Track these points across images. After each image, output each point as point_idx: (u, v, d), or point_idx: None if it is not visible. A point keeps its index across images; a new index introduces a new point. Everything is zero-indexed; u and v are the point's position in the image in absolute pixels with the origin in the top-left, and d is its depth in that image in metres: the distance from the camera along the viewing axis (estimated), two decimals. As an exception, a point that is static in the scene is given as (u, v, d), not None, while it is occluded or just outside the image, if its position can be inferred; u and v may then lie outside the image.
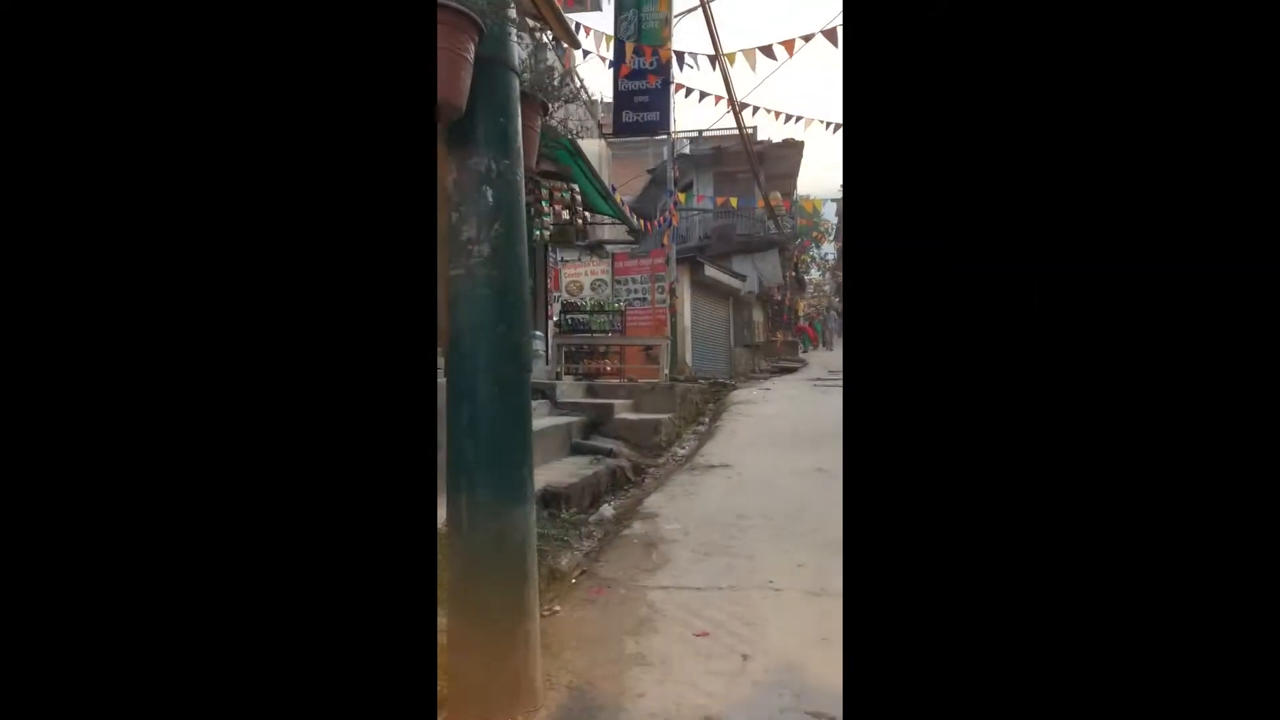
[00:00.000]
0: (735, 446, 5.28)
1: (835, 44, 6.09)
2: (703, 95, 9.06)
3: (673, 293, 12.61)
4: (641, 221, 11.94)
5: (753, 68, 6.88)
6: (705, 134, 19.02)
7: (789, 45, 6.41)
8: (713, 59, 7.50)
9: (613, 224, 10.89)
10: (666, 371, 12.02)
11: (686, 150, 17.82)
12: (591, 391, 6.57)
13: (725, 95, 8.67)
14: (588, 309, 9.87)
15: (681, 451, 5.41)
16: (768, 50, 6.69)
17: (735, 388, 10.47)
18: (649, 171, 13.37)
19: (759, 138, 18.96)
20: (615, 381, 8.42)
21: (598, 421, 5.65)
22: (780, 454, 4.88)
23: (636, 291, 13.96)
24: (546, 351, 9.23)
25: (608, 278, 14.13)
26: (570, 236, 10.34)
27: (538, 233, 7.26)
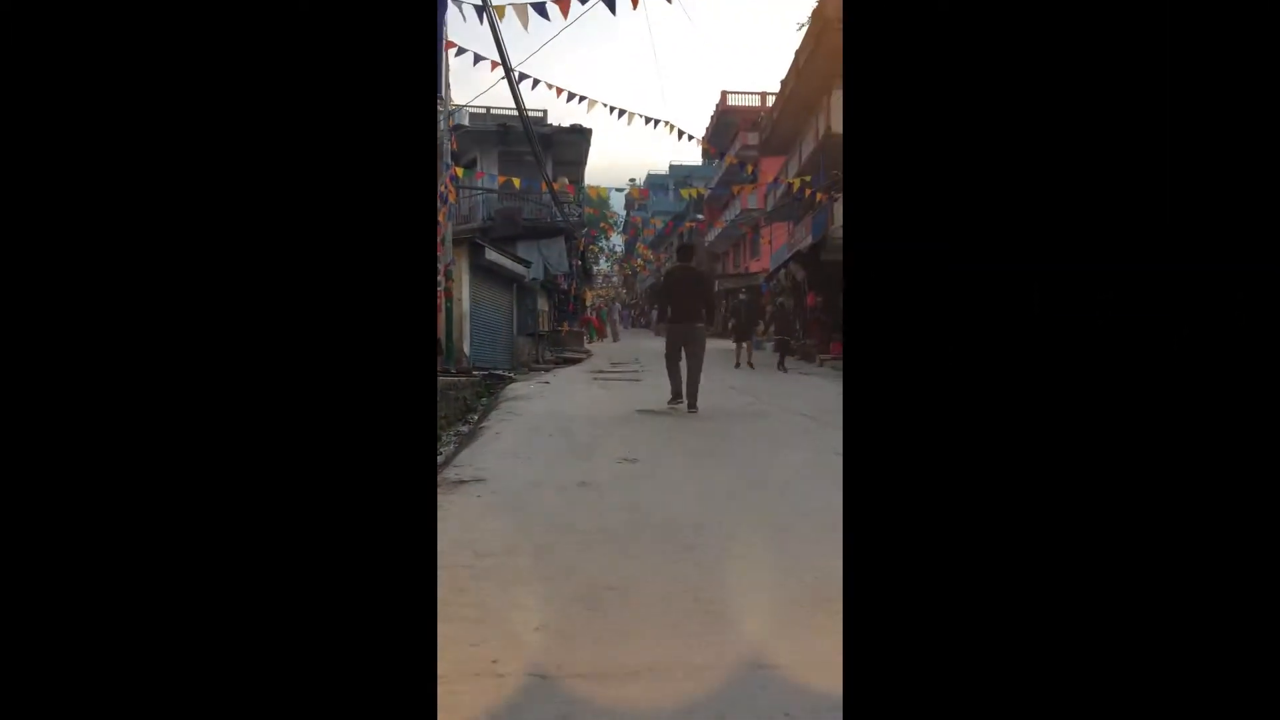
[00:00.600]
0: (495, 452, 4.60)
1: (613, 11, 5.64)
2: (477, 58, 8.20)
3: (448, 275, 11.56)
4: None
5: (524, 26, 6.23)
6: (492, 111, 17.97)
7: (564, 5, 5.83)
8: (480, 9, 6.69)
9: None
10: (441, 361, 11.00)
11: (467, 124, 16.66)
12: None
13: (499, 61, 7.90)
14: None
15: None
16: (540, 9, 6.06)
17: (513, 380, 9.78)
18: (445, 164, 12.18)
19: (548, 121, 18.35)
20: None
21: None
22: (545, 462, 4.29)
23: (407, 272, 12.66)
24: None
25: (374, 255, 12.64)
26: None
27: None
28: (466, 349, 13.11)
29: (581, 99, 8.62)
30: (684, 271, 6.67)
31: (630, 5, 5.77)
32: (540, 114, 17.90)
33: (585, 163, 19.55)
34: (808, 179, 12.41)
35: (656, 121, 9.15)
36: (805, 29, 13.82)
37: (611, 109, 8.95)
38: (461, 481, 3.72)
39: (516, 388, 8.80)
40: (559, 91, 8.54)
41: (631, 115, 9.08)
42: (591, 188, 11.73)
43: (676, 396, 6.40)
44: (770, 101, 22.76)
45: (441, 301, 11.44)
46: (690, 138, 10.81)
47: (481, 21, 6.72)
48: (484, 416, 6.48)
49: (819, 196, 12.40)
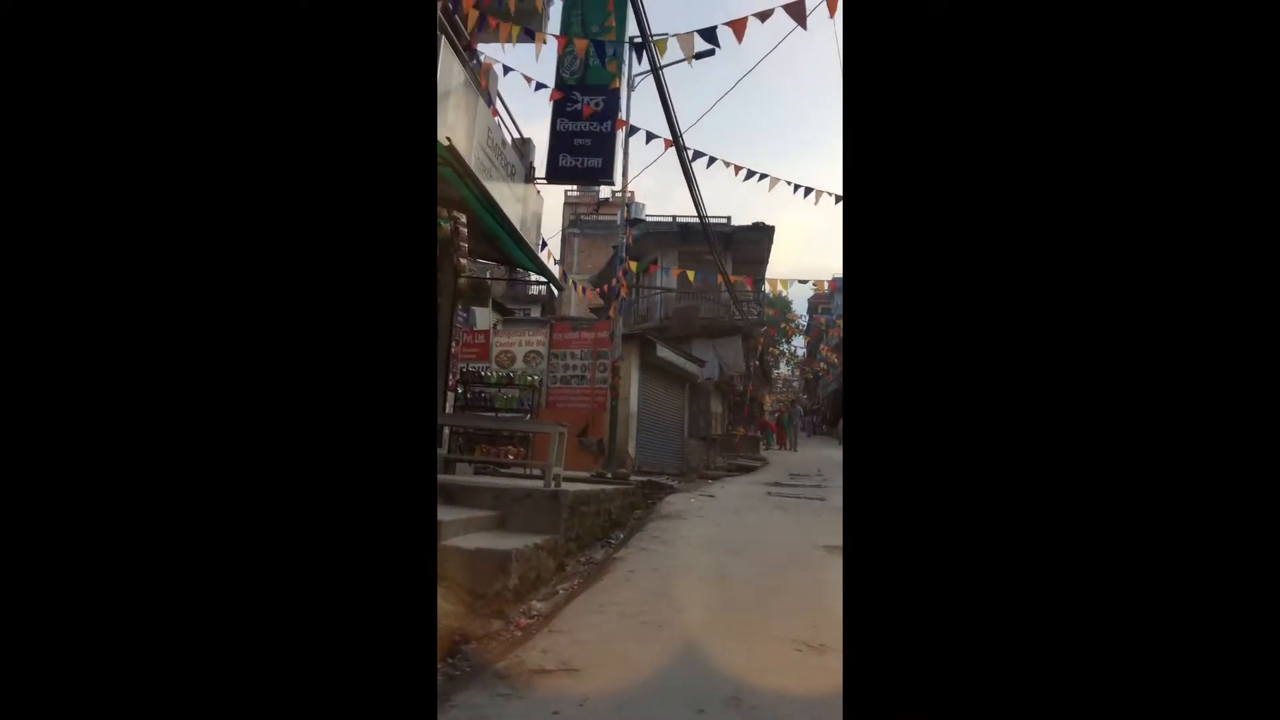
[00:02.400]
0: (616, 610, 3.25)
1: (803, 25, 4.57)
2: (650, 136, 7.54)
3: (615, 372, 10.77)
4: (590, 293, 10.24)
5: (689, 60, 5.37)
6: (678, 219, 17.82)
7: (738, 29, 4.87)
8: (652, 68, 5.96)
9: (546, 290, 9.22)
10: (602, 465, 10.04)
11: (644, 218, 16.48)
12: (446, 495, 4.56)
13: (672, 139, 7.14)
14: (493, 381, 7.92)
15: (536, 608, 3.38)
16: (709, 35, 5.16)
17: (673, 489, 8.47)
18: (614, 248, 11.87)
19: (731, 223, 17.80)
20: (508, 480, 6.42)
21: (414, 549, 3.65)
22: (680, 650, 2.85)
23: (575, 368, 12.07)
24: (441, 431, 7.22)
25: (544, 349, 12.28)
26: (483, 295, 8.57)
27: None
28: (632, 450, 12.11)
29: (762, 176, 7.63)
30: None
31: (826, 10, 4.71)
32: (724, 219, 17.38)
33: (767, 261, 18.58)
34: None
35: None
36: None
37: (796, 187, 7.85)
38: (543, 672, 2.39)
39: (676, 501, 7.46)
40: (736, 169, 7.63)
41: (819, 193, 7.90)
42: (772, 281, 10.57)
43: None
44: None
45: (607, 400, 10.64)
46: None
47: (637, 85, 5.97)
48: (625, 541, 5.19)
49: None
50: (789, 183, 7.71)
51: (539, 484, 4.57)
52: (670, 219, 17.62)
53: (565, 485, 5.41)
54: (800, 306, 35.62)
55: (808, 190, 7.85)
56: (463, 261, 6.84)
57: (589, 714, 2.02)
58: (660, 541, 4.99)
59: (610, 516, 6.13)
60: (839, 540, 5.13)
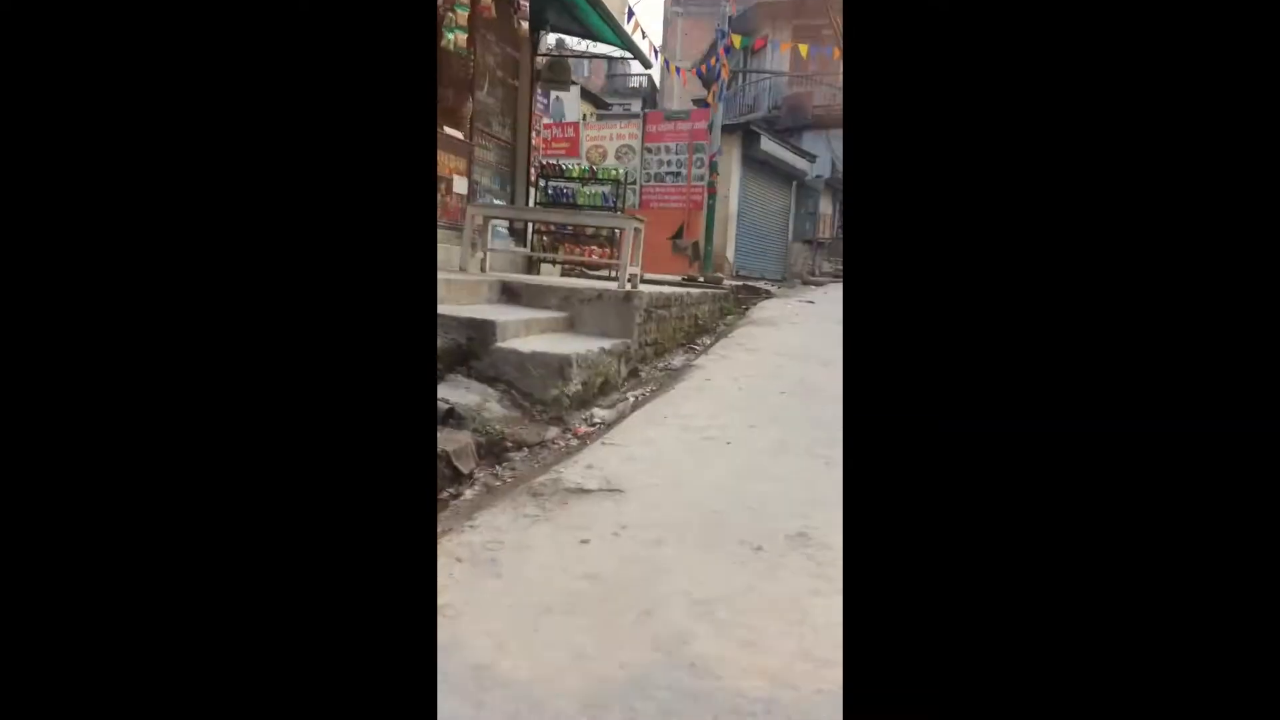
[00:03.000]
0: (679, 423, 2.90)
1: None
2: None
3: (714, 168, 9.83)
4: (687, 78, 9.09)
5: None
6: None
7: None
8: None
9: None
10: (696, 269, 9.53)
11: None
12: (511, 295, 4.25)
13: None
14: (575, 175, 7.30)
15: (599, 416, 3.10)
16: None
17: (770, 295, 7.92)
18: (719, 32, 10.23)
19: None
20: (583, 280, 6.07)
21: (468, 351, 3.37)
22: (737, 470, 2.47)
23: (670, 164, 11.14)
24: (525, 229, 6.87)
25: (636, 144, 11.33)
26: (562, 75, 7.67)
27: (449, 35, 4.75)
28: (730, 255, 11.45)
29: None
30: None
31: None
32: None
33: (897, 36, 15.90)
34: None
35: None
36: None
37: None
38: (582, 491, 2.10)
39: (772, 307, 6.94)
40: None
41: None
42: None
43: None
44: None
45: (704, 199, 9.84)
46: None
47: None
48: (707, 348, 4.80)
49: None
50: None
51: (603, 288, 4.15)
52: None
53: (646, 287, 4.99)
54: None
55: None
56: (525, 30, 5.97)
57: (623, 545, 1.72)
58: (746, 349, 4.56)
59: (696, 322, 5.74)
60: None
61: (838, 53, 10.97)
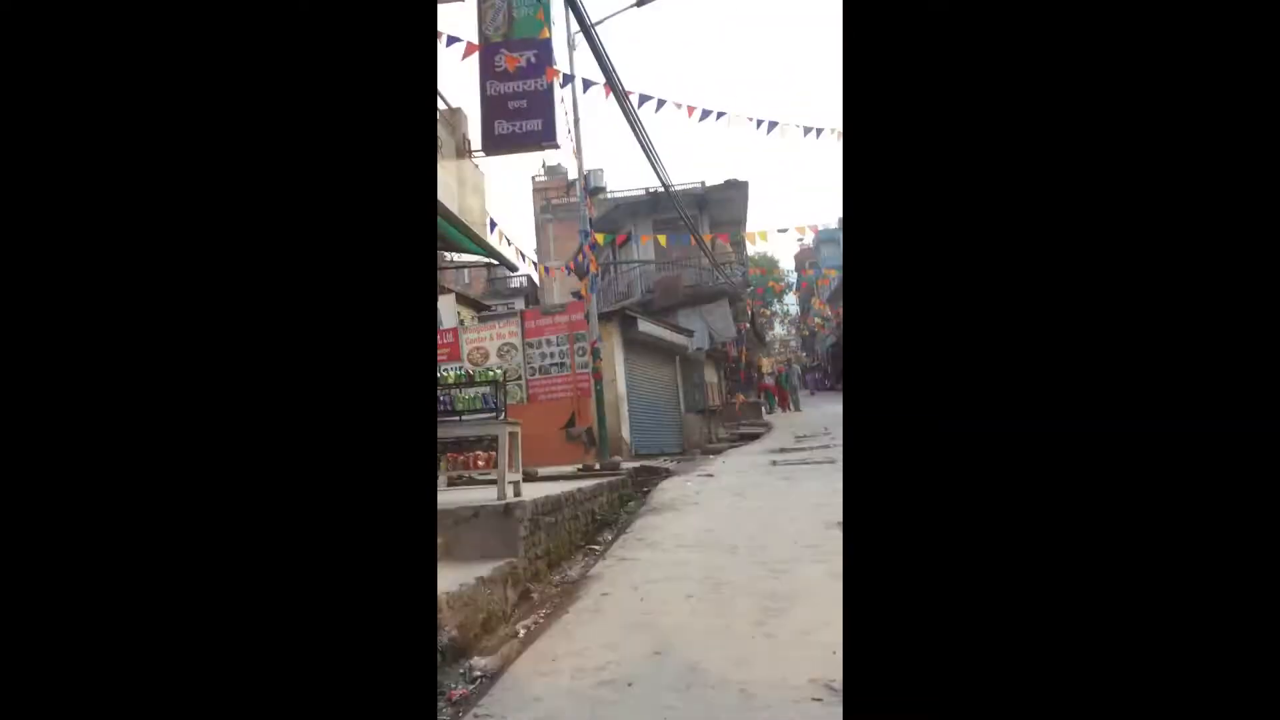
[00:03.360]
0: (570, 668, 2.46)
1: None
2: (588, 84, 6.66)
3: (595, 354, 9.97)
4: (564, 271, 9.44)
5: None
6: (650, 191, 16.88)
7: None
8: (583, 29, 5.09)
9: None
10: (590, 456, 9.28)
11: (607, 191, 15.57)
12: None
13: (609, 83, 6.26)
14: (450, 381, 7.08)
15: (479, 668, 2.61)
16: None
17: (669, 474, 7.72)
18: (582, 233, 10.93)
19: (703, 186, 16.88)
20: (465, 494, 5.65)
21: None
22: (645, 695, 2.07)
23: (552, 355, 11.23)
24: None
25: (518, 341, 11.45)
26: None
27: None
28: (627, 434, 11.35)
29: (720, 114, 6.76)
30: None
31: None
32: (700, 184, 16.45)
33: (745, 220, 17.68)
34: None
35: (819, 130, 7.02)
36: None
37: (759, 122, 6.99)
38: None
39: (671, 487, 6.69)
40: (690, 110, 6.76)
41: (784, 127, 7.04)
42: (749, 234, 9.70)
43: None
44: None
45: (591, 385, 9.85)
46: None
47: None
48: (614, 542, 4.43)
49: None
50: (751, 119, 6.85)
51: (479, 505, 3.78)
52: (642, 191, 16.71)
53: (535, 488, 4.64)
54: (788, 264, 34.73)
55: (772, 124, 6.99)
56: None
57: None
58: (646, 544, 4.22)
59: (594, 517, 5.37)
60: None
61: (694, 240, 11.93)
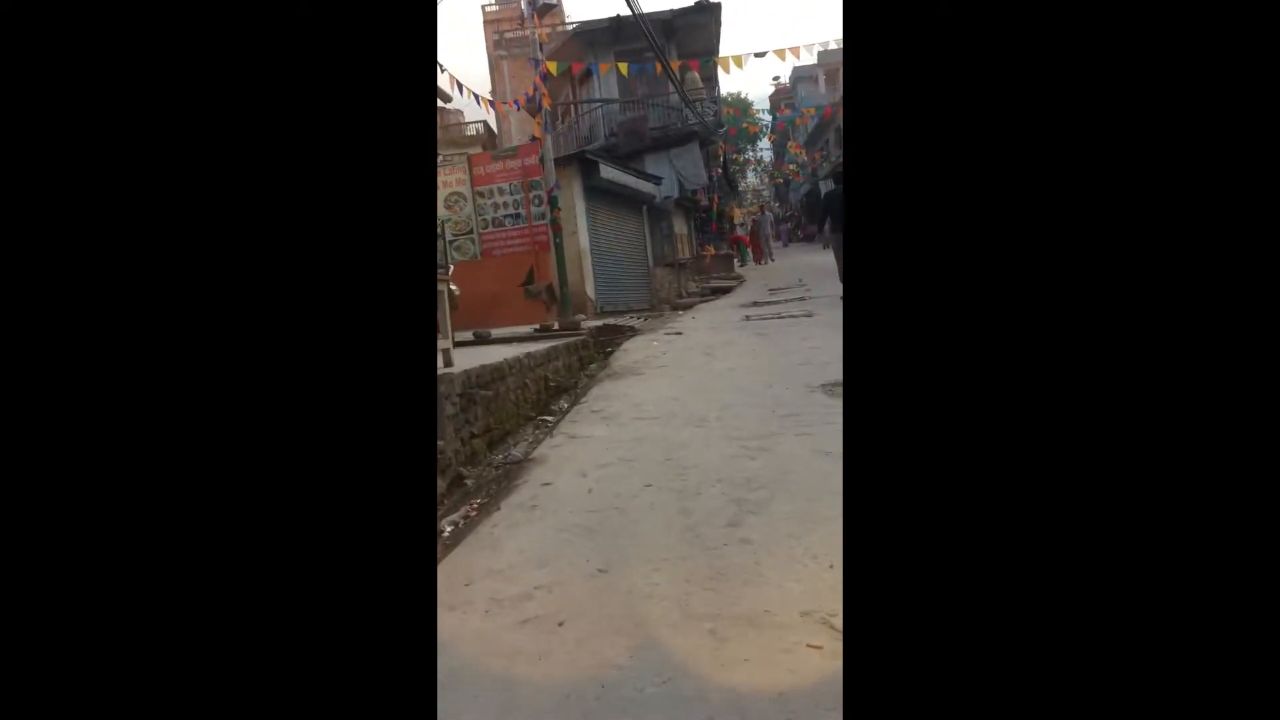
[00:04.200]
0: (481, 600, 1.91)
1: None
2: None
3: (553, 203, 9.00)
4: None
5: None
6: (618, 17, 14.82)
7: None
8: None
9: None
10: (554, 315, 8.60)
11: (565, 21, 13.72)
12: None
13: None
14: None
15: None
16: None
17: (635, 333, 7.11)
18: (532, 61, 9.38)
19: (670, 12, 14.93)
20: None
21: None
22: (571, 682, 1.53)
23: (505, 205, 10.17)
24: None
25: (466, 189, 10.34)
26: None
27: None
28: (591, 292, 10.62)
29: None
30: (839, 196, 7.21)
31: None
32: (666, 13, 14.47)
33: (717, 51, 15.90)
34: None
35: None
36: None
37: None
38: None
39: (635, 348, 6.10)
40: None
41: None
42: (722, 60, 8.41)
43: None
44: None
45: (549, 238, 8.97)
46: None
47: None
48: (570, 408, 3.86)
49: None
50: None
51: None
52: (604, 20, 14.73)
53: (473, 357, 3.98)
54: (762, 105, 32.41)
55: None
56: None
57: None
58: (602, 417, 3.64)
59: (548, 384, 4.78)
60: (839, 374, 3.88)
61: (659, 67, 10.54)
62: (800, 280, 11.16)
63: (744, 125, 23.27)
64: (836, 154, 27.46)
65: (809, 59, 37.82)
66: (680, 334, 6.60)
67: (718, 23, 14.89)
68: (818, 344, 5.05)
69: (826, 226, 9.59)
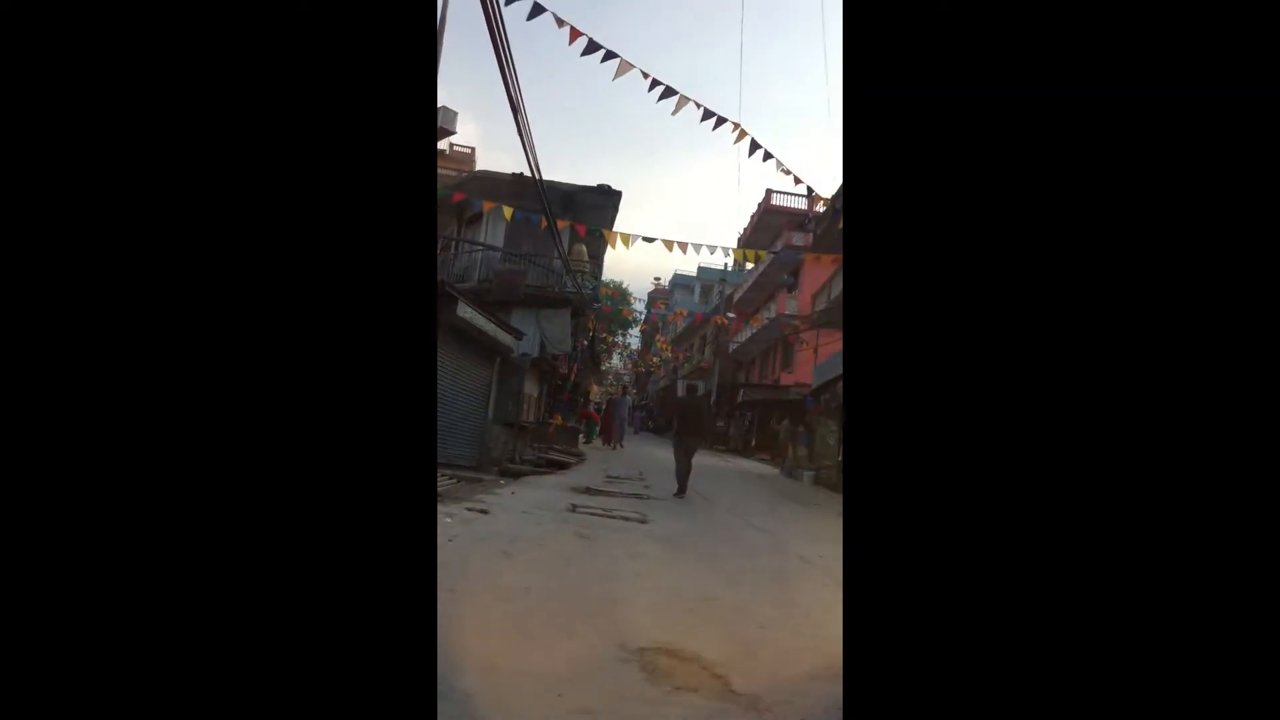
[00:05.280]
0: None
1: None
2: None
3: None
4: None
5: None
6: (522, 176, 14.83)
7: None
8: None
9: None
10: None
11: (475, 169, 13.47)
12: None
13: (498, 54, 4.39)
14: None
15: None
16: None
17: (437, 498, 5.74)
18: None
19: (575, 186, 15.23)
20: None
21: None
22: None
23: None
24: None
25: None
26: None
27: None
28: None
29: (609, 55, 5.09)
30: (695, 401, 8.73)
31: None
32: (572, 186, 14.72)
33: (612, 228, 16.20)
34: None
35: (721, 119, 5.60)
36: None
37: (654, 84, 5.45)
38: None
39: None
40: (573, 35, 4.98)
41: (683, 100, 5.54)
42: (610, 234, 8.07)
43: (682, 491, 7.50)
44: (821, 205, 19.88)
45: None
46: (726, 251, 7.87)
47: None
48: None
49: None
50: (647, 76, 5.26)
51: None
52: (509, 175, 14.67)
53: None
54: (641, 297, 33.92)
55: (668, 91, 5.45)
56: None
57: None
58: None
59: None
60: (670, 628, 2.78)
61: (544, 223, 10.19)
62: (641, 474, 10.33)
63: (619, 309, 23.74)
64: (699, 357, 28.61)
65: (689, 267, 40.73)
66: (486, 512, 5.31)
67: (615, 205, 15.27)
68: (647, 565, 3.99)
69: (675, 425, 9.24)
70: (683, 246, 8.20)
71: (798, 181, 6.63)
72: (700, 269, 36.82)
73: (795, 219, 23.26)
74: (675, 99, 5.33)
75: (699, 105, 5.48)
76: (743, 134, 5.85)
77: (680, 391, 23.71)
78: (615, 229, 14.97)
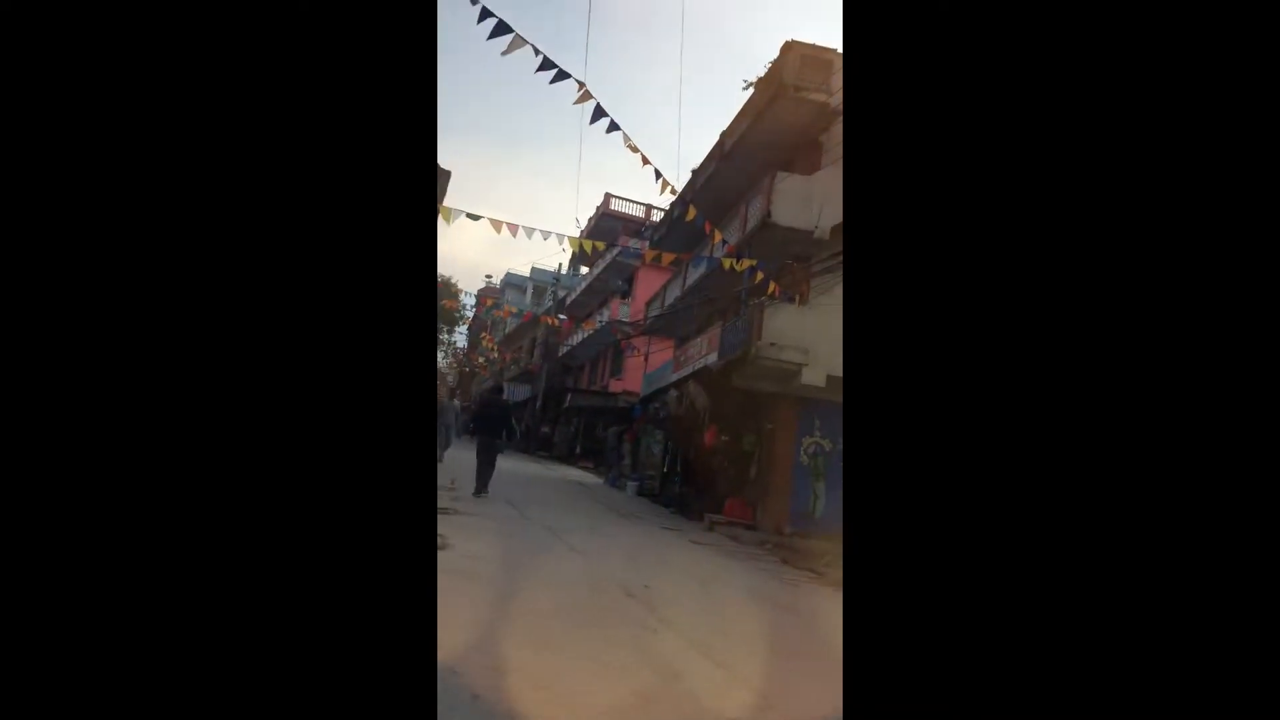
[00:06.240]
0: None
1: None
2: None
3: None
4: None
5: None
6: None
7: None
8: None
9: None
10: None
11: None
12: None
13: None
14: None
15: None
16: None
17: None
18: None
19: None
20: None
21: None
22: None
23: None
24: None
25: None
26: None
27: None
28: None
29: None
30: (496, 401, 8.82)
31: None
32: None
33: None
34: (753, 263, 8.53)
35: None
36: (752, 91, 10.55)
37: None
38: None
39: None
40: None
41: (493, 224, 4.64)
42: (444, 209, 7.01)
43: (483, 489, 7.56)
44: (657, 214, 19.85)
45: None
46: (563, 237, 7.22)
47: None
48: None
49: (772, 289, 8.53)
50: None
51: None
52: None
53: None
54: (469, 301, 32.15)
55: (556, 70, 4.53)
56: None
57: None
58: None
59: None
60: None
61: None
62: (454, 481, 9.18)
63: (444, 303, 22.04)
64: (527, 359, 27.47)
65: (523, 268, 39.41)
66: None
67: (443, 188, 13.86)
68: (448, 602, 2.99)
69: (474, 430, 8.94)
70: (513, 229, 7.25)
71: (645, 163, 5.96)
72: (534, 270, 35.76)
73: (632, 225, 23.06)
74: (510, 38, 4.43)
75: (537, 51, 4.61)
76: (586, 95, 5.09)
77: (505, 393, 22.48)
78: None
